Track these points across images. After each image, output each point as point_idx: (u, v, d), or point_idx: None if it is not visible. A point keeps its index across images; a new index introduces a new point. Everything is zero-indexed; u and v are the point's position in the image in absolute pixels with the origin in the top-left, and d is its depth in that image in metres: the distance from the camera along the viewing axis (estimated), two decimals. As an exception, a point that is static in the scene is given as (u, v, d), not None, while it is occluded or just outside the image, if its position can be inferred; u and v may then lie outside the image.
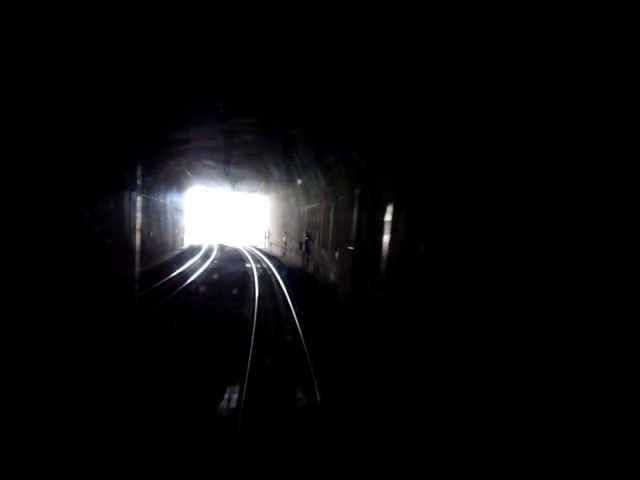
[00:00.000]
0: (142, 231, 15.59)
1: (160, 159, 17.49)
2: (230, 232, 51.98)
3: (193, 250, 30.26)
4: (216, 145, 16.12)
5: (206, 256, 26.85)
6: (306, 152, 13.56)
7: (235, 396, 5.74)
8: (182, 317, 10.35)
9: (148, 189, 17.10)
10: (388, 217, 8.50)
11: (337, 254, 12.79)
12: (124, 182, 13.60)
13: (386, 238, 8.56)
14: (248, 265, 22.56)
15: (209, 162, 20.77)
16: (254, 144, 15.61)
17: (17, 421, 4.80)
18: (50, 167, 8.12)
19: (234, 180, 24.89)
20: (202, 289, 14.55)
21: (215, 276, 17.66)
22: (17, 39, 6.04)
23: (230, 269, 20.50)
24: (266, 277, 17.99)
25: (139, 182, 14.80)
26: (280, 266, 22.03)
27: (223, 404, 5.55)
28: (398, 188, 8.07)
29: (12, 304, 6.65)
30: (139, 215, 14.99)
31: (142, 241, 15.55)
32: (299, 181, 17.61)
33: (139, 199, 15.02)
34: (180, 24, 6.40)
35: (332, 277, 13.35)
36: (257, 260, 25.60)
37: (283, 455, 4.51)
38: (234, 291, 14.19)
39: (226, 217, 52.54)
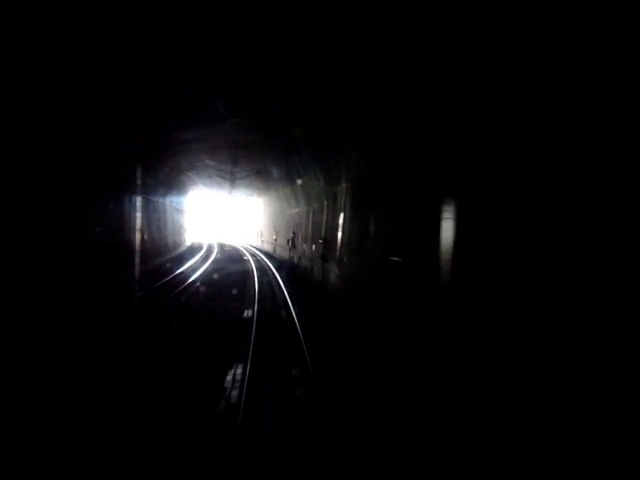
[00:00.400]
0: (142, 231, 15.58)
1: (160, 159, 17.48)
2: (227, 232, 54.42)
3: (193, 250, 30.29)
4: (216, 145, 16.12)
5: (206, 256, 27.17)
6: (301, 159, 15.80)
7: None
8: (182, 317, 10.36)
9: (148, 189, 17.09)
10: (341, 221, 12.77)
11: (313, 246, 17.15)
12: (124, 182, 13.60)
13: (339, 234, 12.79)
14: (245, 258, 26.56)
15: (209, 162, 20.78)
16: (254, 144, 15.62)
17: (21, 417, 4.81)
18: (50, 167, 8.11)
19: (234, 179, 25.06)
20: (203, 289, 14.57)
21: (215, 276, 17.92)
22: (18, 39, 6.04)
23: (230, 269, 20.86)
24: (260, 266, 22.47)
25: (139, 182, 14.78)
26: (271, 258, 26.69)
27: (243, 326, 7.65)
28: (345, 202, 12.36)
29: (12, 304, 6.65)
30: (139, 215, 14.97)
31: (142, 241, 15.54)
32: (298, 181, 19.41)
33: (139, 199, 15.01)
34: (180, 24, 6.39)
35: (309, 263, 17.98)
36: (252, 254, 29.59)
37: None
38: (234, 291, 14.31)
39: (224, 218, 55.06)
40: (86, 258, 10.12)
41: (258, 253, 30.84)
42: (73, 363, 6.59)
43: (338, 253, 12.71)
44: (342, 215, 12.45)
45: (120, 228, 13.31)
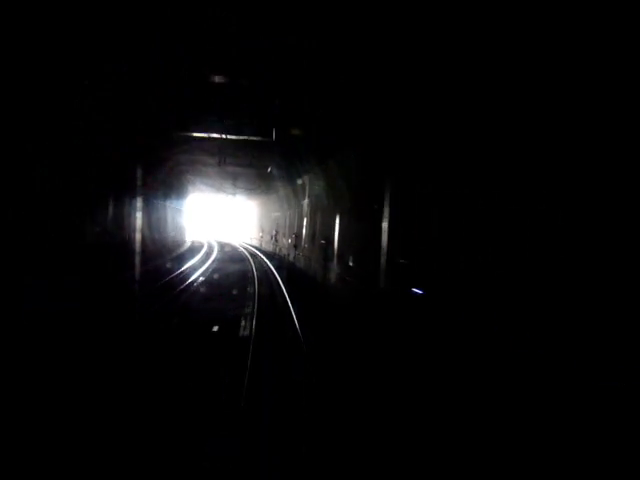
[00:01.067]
0: (142, 231, 15.54)
1: (160, 159, 17.45)
2: (223, 231, 60.28)
3: (193, 250, 30.31)
4: (216, 145, 16.09)
5: (208, 253, 27.49)
6: (292, 170, 19.44)
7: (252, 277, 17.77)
8: (182, 317, 10.37)
9: (148, 189, 17.06)
10: (304, 223, 20.10)
11: (289, 240, 24.58)
12: (124, 182, 13.58)
13: (304, 231, 20.17)
14: (240, 251, 34.56)
15: (209, 162, 20.73)
16: (253, 144, 15.60)
17: (22, 418, 4.80)
18: (50, 167, 8.10)
19: (234, 179, 25.14)
20: (202, 289, 14.56)
21: (215, 276, 17.95)
22: (18, 39, 6.04)
23: (231, 268, 20.99)
24: (252, 256, 28.71)
25: (139, 182, 14.74)
26: (259, 249, 35.48)
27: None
28: (307, 211, 19.68)
29: (12, 304, 6.64)
30: (139, 215, 14.92)
31: (142, 241, 15.51)
32: (278, 193, 26.43)
33: (139, 199, 14.97)
34: (180, 24, 6.39)
35: (287, 251, 25.82)
36: (245, 248, 36.40)
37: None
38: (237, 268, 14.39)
39: (220, 218, 60.90)
40: (86, 258, 10.11)
41: (249, 247, 38.72)
42: (75, 361, 6.60)
43: (303, 242, 20.76)
44: (305, 219, 20.28)
45: (120, 228, 13.29)
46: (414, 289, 7.04)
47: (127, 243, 13.93)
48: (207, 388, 6.10)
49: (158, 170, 18.03)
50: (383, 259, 8.81)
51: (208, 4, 5.82)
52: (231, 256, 29.49)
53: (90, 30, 6.54)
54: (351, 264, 11.58)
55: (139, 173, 14.47)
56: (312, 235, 17.86)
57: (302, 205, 20.38)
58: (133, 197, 14.42)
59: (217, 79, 8.90)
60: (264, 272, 20.24)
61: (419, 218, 7.20)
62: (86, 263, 10.10)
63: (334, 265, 13.55)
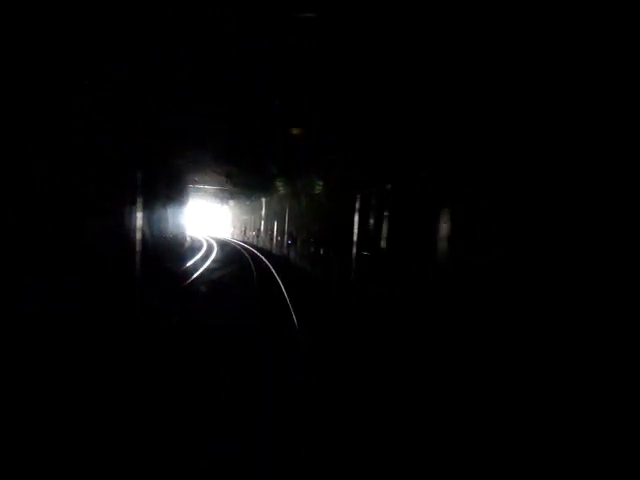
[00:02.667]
0: (142, 231, 15.53)
1: (160, 160, 17.45)
2: (211, 228, 74.30)
3: (194, 249, 30.37)
4: (215, 145, 16.11)
5: (207, 255, 27.64)
6: (263, 184, 26.57)
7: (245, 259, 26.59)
8: (181, 316, 10.37)
9: (149, 189, 17.05)
10: (262, 222, 34.85)
11: (253, 232, 40.00)
12: (124, 182, 13.56)
13: (262, 228, 34.95)
14: (222, 238, 51.08)
15: (209, 162, 20.74)
16: (253, 145, 15.61)
17: (22, 419, 4.81)
18: (50, 167, 8.10)
19: (233, 179, 25.30)
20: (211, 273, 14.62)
21: (216, 274, 18.12)
22: (18, 39, 6.04)
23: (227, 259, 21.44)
24: (234, 243, 41.57)
25: (139, 182, 14.74)
26: (233, 239, 49.21)
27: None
28: (262, 216, 34.94)
29: (12, 304, 6.64)
30: (139, 215, 14.92)
31: (142, 241, 15.50)
32: (259, 200, 35.04)
33: (140, 199, 14.96)
34: (180, 24, 6.39)
35: (252, 240, 39.69)
36: (224, 239, 50.21)
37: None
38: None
39: (209, 219, 74.23)
40: (86, 258, 10.10)
41: (227, 238, 53.16)
42: (74, 361, 6.60)
43: (261, 233, 34.12)
44: (262, 221, 33.68)
45: (120, 228, 13.29)
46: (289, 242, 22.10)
47: (127, 243, 13.92)
48: (206, 378, 6.11)
49: (159, 170, 18.03)
50: (287, 236, 22.25)
51: (208, 4, 5.82)
52: (228, 250, 30.00)
53: (90, 30, 6.54)
54: (279, 239, 25.31)
55: (139, 173, 14.48)
56: (265, 230, 32.40)
57: (261, 213, 34.49)
58: (133, 197, 14.42)
59: (217, 79, 8.89)
60: (242, 246, 35.96)
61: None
62: (87, 263, 10.10)
63: (274, 242, 27.67)
